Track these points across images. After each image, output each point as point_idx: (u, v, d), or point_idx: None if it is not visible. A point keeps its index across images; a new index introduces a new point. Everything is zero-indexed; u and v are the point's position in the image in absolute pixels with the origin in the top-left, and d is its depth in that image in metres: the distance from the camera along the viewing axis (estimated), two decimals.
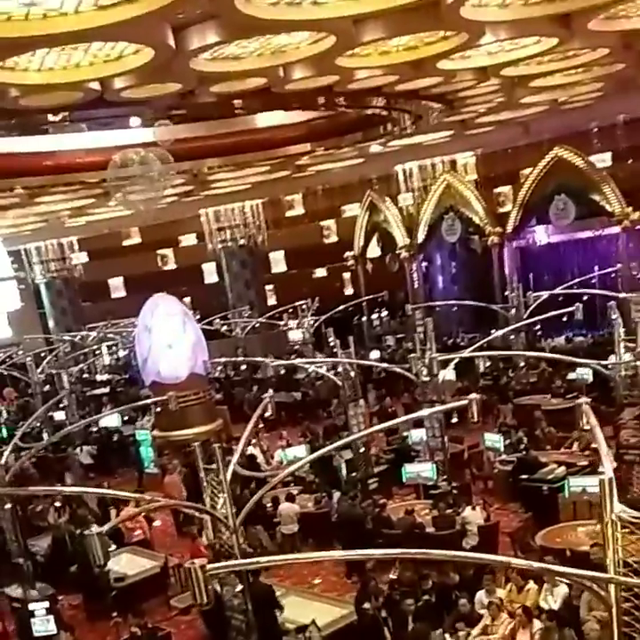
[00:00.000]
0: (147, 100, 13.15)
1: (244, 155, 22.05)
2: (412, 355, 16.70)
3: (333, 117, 20.82)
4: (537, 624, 10.13)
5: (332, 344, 20.53)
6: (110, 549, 7.43)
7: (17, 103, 11.90)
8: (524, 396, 21.84)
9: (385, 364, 21.46)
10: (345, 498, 15.38)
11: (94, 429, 23.38)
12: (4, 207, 23.09)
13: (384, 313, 36.95)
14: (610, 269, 27.71)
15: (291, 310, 31.66)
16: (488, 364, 24.49)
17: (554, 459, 16.22)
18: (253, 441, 18.48)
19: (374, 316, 36.06)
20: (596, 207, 26.56)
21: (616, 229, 27.32)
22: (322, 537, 14.78)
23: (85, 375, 32.18)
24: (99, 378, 33.35)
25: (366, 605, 11.00)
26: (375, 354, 27.00)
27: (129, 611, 12.38)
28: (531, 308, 23.37)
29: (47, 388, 25.72)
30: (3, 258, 26.30)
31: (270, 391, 13.74)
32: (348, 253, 34.79)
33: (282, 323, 31.19)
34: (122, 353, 35.68)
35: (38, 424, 22.64)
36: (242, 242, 34.10)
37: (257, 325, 31.79)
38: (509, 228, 29.06)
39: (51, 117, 14.12)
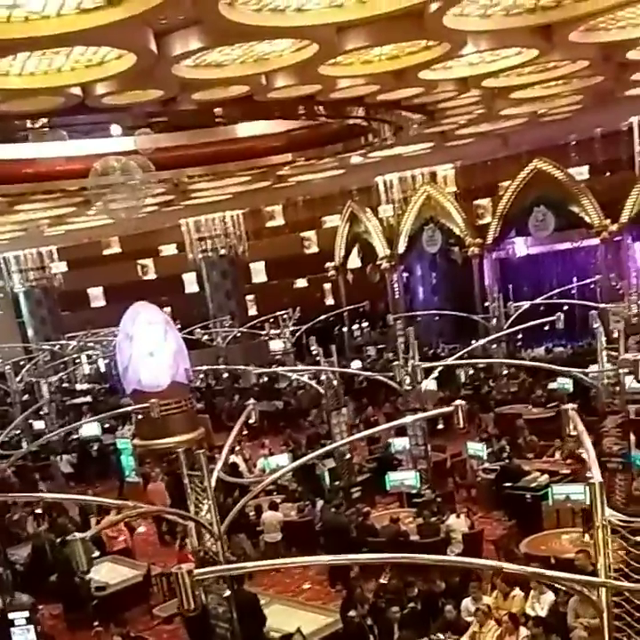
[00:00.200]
0: (128, 107, 13.13)
1: (225, 164, 22.02)
2: (396, 363, 16.71)
3: (314, 128, 20.88)
4: (523, 631, 10.11)
5: (314, 352, 20.49)
6: (94, 556, 7.30)
7: None
8: (504, 406, 21.91)
9: (369, 373, 21.46)
10: (328, 506, 15.34)
11: (74, 437, 23.19)
12: None
13: (364, 324, 37.01)
14: (588, 280, 27.92)
15: (272, 320, 31.61)
16: (470, 373, 24.57)
17: (536, 467, 16.25)
18: (236, 449, 18.40)
19: (355, 326, 36.11)
20: (575, 219, 26.82)
21: (594, 241, 27.58)
22: (305, 545, 14.69)
23: (65, 384, 31.96)
24: (78, 387, 33.12)
25: (352, 613, 10.94)
26: (357, 364, 27.00)
27: (111, 620, 12.24)
28: (512, 318, 23.47)
29: (26, 397, 25.53)
30: None
31: (252, 400, 13.67)
32: (328, 264, 34.85)
33: (263, 332, 31.12)
34: (102, 362, 35.45)
35: (18, 432, 22.41)
36: (222, 252, 34.06)
37: (238, 335, 31.71)
38: (489, 240, 29.26)
39: (30, 124, 14.07)
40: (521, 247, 31.08)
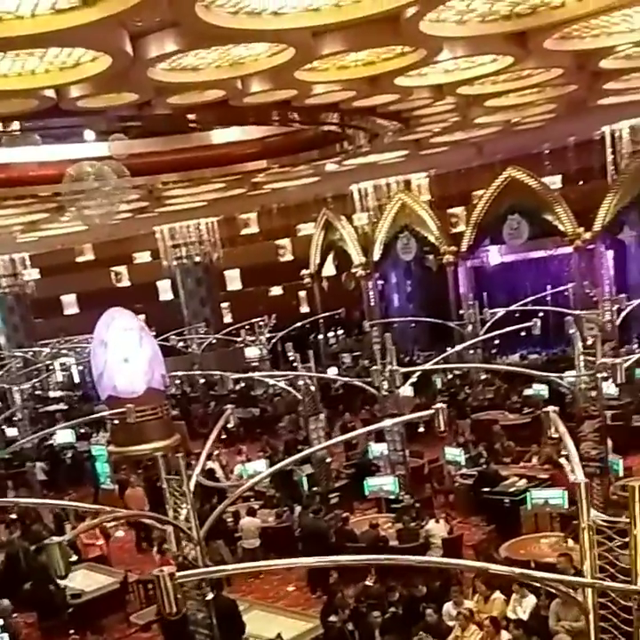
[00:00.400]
0: (103, 111, 13.02)
1: (200, 171, 21.95)
2: (374, 368, 16.72)
3: (290, 134, 20.87)
4: (505, 635, 10.12)
5: (291, 358, 20.46)
6: (72, 559, 7.17)
7: None
8: (481, 412, 21.98)
9: (347, 378, 21.48)
10: (307, 512, 15.26)
11: (47, 443, 22.98)
12: None
13: (340, 331, 37.02)
14: (562, 288, 28.13)
15: (247, 327, 31.53)
16: (447, 378, 24.66)
17: (514, 472, 16.32)
18: (213, 456, 18.31)
19: (330, 334, 36.11)
20: (549, 227, 26.99)
21: (567, 249, 27.82)
22: (284, 551, 14.53)
23: (38, 392, 31.65)
24: (51, 394, 32.81)
25: (333, 618, 10.88)
26: (333, 371, 27.00)
27: (87, 628, 12.08)
28: (488, 324, 23.58)
29: None
30: None
31: (230, 405, 13.59)
32: (304, 271, 34.85)
33: (239, 339, 31.02)
34: (75, 369, 35.14)
35: None
36: (197, 259, 33.93)
37: (214, 342, 31.60)
38: (464, 248, 29.38)
39: (2, 128, 13.91)
40: (495, 255, 31.25)
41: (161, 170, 21.09)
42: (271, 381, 21.62)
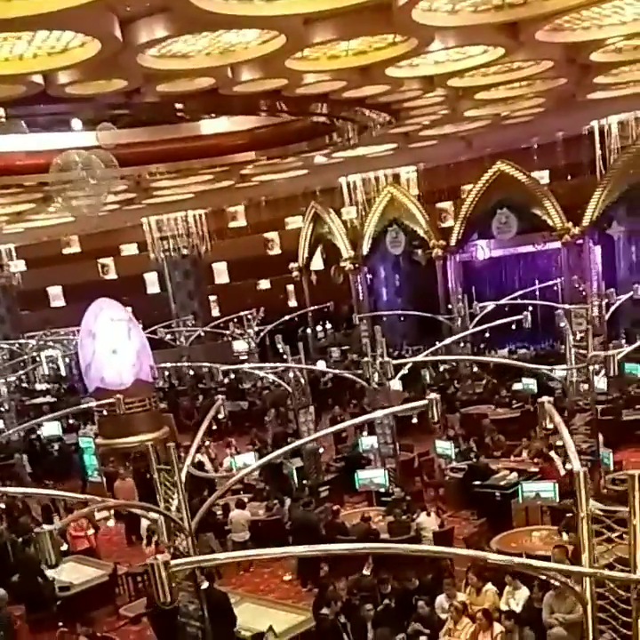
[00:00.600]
0: (91, 98, 12.87)
1: (188, 162, 21.80)
2: (365, 359, 16.67)
3: (279, 126, 20.76)
4: (497, 627, 10.08)
5: (281, 351, 20.39)
6: (63, 548, 7.07)
7: None
8: (469, 406, 22.00)
9: (337, 371, 21.42)
10: (297, 504, 15.18)
11: (34, 437, 22.80)
12: None
13: (328, 325, 36.95)
14: (551, 283, 28.17)
15: (236, 320, 31.40)
16: (436, 373, 24.64)
17: (504, 466, 16.30)
18: (202, 448, 18.22)
19: (319, 328, 36.04)
20: (538, 222, 27.03)
21: (555, 245, 27.86)
22: (274, 544, 14.22)
23: (24, 384, 31.46)
24: (38, 387, 32.59)
25: (325, 611, 10.80)
26: (322, 364, 26.92)
27: (75, 621, 11.94)
28: (477, 319, 23.57)
29: None
30: None
31: (220, 396, 13.49)
32: (292, 265, 34.74)
33: (227, 332, 30.90)
34: (61, 362, 34.95)
35: None
36: (185, 252, 33.77)
37: (202, 335, 31.46)
38: (453, 242, 29.37)
39: None
40: (483, 250, 31.24)
41: (149, 160, 20.90)
42: (261, 373, 21.52)
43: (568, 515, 12.43)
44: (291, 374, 17.17)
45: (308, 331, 33.90)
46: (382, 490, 15.84)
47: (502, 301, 25.06)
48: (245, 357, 29.15)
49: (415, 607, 10.85)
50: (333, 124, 19.81)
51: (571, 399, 14.49)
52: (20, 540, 14.51)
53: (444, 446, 17.11)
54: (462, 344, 22.91)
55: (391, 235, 30.72)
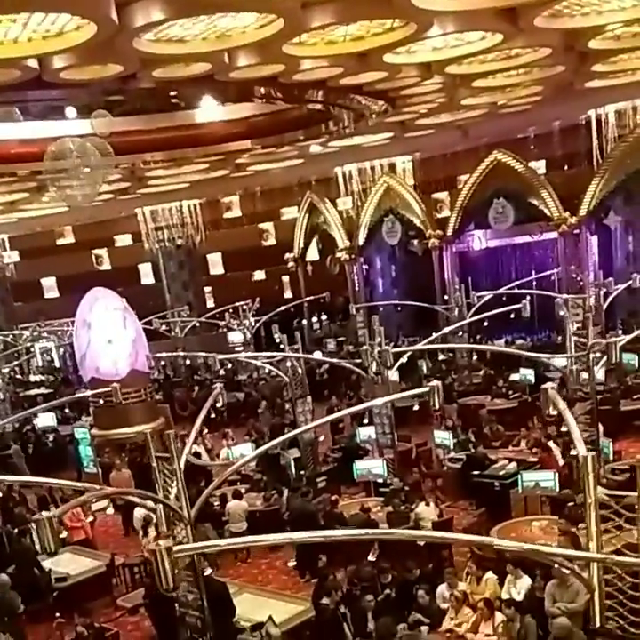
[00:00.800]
0: (87, 83, 12.69)
1: (183, 150, 21.63)
2: (364, 347, 16.56)
3: (274, 114, 20.61)
4: (499, 617, 10.04)
5: (278, 340, 20.27)
6: (62, 536, 6.95)
7: None
8: (466, 397, 21.94)
9: (335, 360, 21.31)
10: (295, 495, 15.11)
11: (28, 428, 22.66)
12: None
13: (324, 317, 36.83)
14: (548, 273, 28.11)
15: (231, 311, 31.26)
16: (434, 363, 24.56)
17: (502, 456, 16.26)
18: (199, 438, 18.12)
19: (314, 319, 35.92)
20: (535, 211, 26.93)
21: (552, 235, 27.78)
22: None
23: (18, 376, 31.30)
24: (32, 379, 32.42)
25: (325, 600, 10.72)
26: (317, 355, 26.82)
27: (73, 611, 11.83)
28: (474, 308, 23.50)
29: None
30: None
31: (218, 384, 13.37)
32: (288, 255, 34.60)
33: (223, 323, 30.78)
34: (55, 353, 34.78)
35: None
36: (179, 242, 33.60)
37: (197, 326, 31.33)
38: (449, 232, 29.27)
39: None
40: (480, 240, 31.14)
41: (144, 148, 20.73)
42: (258, 362, 21.39)
43: (570, 504, 12.40)
44: (288, 364, 17.05)
45: (304, 322, 33.75)
46: (380, 480, 15.76)
47: (500, 291, 24.98)
48: (241, 348, 29.01)
49: (415, 597, 10.79)
50: (329, 112, 19.67)
51: (571, 388, 14.42)
52: (16, 531, 14.39)
53: (443, 436, 17.04)
54: (461, 333, 22.81)
55: (387, 225, 30.60)
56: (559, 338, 24.65)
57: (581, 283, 23.97)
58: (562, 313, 18.50)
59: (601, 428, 14.83)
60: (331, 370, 25.60)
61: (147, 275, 36.49)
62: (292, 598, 11.96)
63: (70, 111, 17.12)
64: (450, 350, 24.57)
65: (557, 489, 13.41)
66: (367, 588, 11.03)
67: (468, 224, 29.54)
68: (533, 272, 28.74)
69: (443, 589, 10.93)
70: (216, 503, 15.42)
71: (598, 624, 6.62)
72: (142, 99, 16.70)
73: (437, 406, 9.48)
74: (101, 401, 15.81)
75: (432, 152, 30.51)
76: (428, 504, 14.03)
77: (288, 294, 37.12)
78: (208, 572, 9.48)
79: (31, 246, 35.91)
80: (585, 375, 14.20)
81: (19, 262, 35.90)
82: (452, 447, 16.88)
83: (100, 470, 17.20)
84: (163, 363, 28.25)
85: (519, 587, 10.69)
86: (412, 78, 16.30)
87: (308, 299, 33.95)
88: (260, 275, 38.26)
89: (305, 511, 14.11)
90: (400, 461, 16.61)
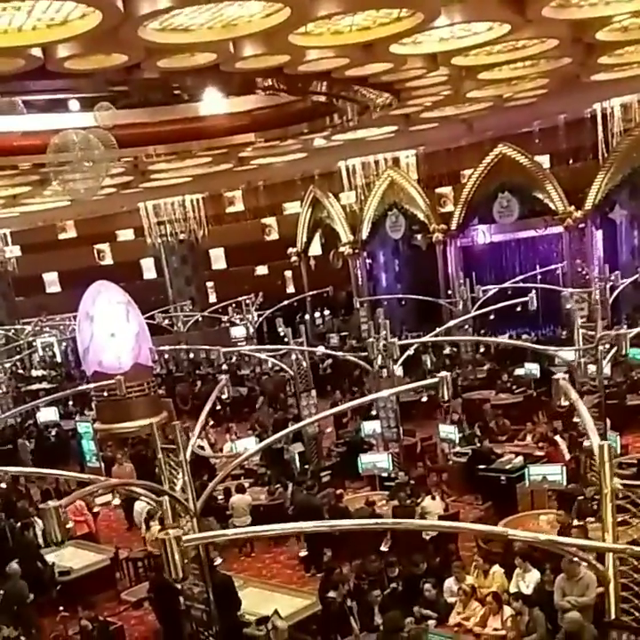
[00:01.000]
0: (91, 73, 12.59)
1: (187, 143, 21.53)
2: (370, 340, 16.45)
3: (278, 107, 20.50)
4: (508, 610, 9.94)
5: (282, 334, 20.16)
6: (69, 526, 6.84)
7: None
8: (471, 392, 21.78)
9: (340, 353, 21.18)
10: (300, 488, 15.00)
11: (30, 422, 22.58)
12: None
13: (326, 312, 36.72)
14: (552, 267, 28.00)
15: (234, 305, 31.17)
16: (438, 358, 24.46)
17: (508, 450, 16.15)
18: (202, 431, 18.04)
19: (317, 314, 35.81)
20: (540, 205, 26.82)
21: (556, 229, 27.66)
22: None
23: (20, 371, 31.21)
24: (34, 373, 32.34)
25: (332, 594, 10.62)
26: (321, 348, 26.70)
27: (77, 605, 11.74)
28: (479, 302, 23.38)
29: None
30: None
31: (223, 376, 13.27)
32: (291, 249, 34.49)
33: (225, 317, 30.68)
34: (57, 348, 34.68)
35: None
36: (182, 237, 33.47)
37: (199, 321, 31.23)
38: (453, 226, 29.16)
39: None
40: (484, 234, 31.03)
41: (147, 141, 20.60)
42: (262, 355, 21.29)
43: (580, 498, 12.31)
44: (293, 357, 16.95)
45: (307, 317, 33.64)
46: (385, 474, 15.65)
47: (506, 285, 24.87)
48: (243, 343, 28.91)
49: (422, 591, 10.71)
50: (334, 104, 19.57)
51: (578, 381, 14.31)
52: (19, 525, 14.31)
53: (448, 430, 16.93)
54: (466, 327, 22.71)
55: (391, 219, 30.46)
56: (563, 333, 24.55)
57: (587, 277, 23.84)
58: (568, 306, 18.38)
59: (608, 421, 14.72)
60: (334, 365, 25.51)
61: (149, 269, 36.42)
62: (297, 592, 11.87)
63: (73, 104, 17.01)
64: (454, 345, 24.45)
65: (565, 483, 13.31)
66: (374, 583, 10.93)
67: (473, 218, 29.44)
68: (537, 267, 28.59)
69: (450, 583, 10.82)
70: (220, 497, 15.32)
71: (613, 616, 6.50)
72: (146, 90, 16.60)
73: (447, 397, 9.39)
74: (105, 393, 15.64)
75: (436, 146, 30.40)
76: (433, 498, 13.91)
77: (291, 289, 37.02)
78: (218, 561, 9.34)
79: (33, 241, 35.88)
80: (592, 368, 14.10)
81: (20, 257, 35.84)
82: (457, 441, 16.77)
83: (102, 464, 17.12)
84: (166, 356, 28.13)
85: (528, 580, 10.59)
86: (418, 70, 16.23)
87: (310, 293, 33.83)
88: (262, 270, 38.14)
89: (310, 505, 14.00)
90: (405, 456, 16.49)
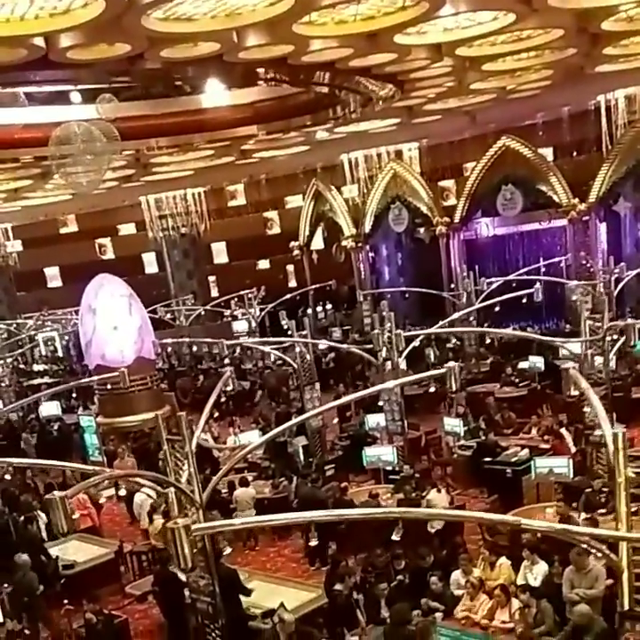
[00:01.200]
0: (93, 63, 12.48)
1: (189, 136, 21.42)
2: (375, 331, 16.36)
3: (281, 99, 20.40)
4: (515, 603, 9.85)
5: (286, 327, 20.07)
6: (74, 517, 6.76)
7: None
8: (475, 385, 21.71)
9: (344, 345, 21.09)
10: (305, 481, 14.94)
11: (33, 417, 22.52)
12: None
13: (329, 306, 36.63)
14: (556, 259, 27.91)
15: (236, 300, 31.09)
16: (442, 351, 24.38)
17: (513, 443, 16.07)
18: (206, 425, 17.98)
19: (319, 308, 35.72)
20: (543, 198, 26.71)
21: (559, 222, 27.55)
22: None
23: (22, 366, 31.15)
24: (36, 368, 32.29)
25: (338, 587, 10.53)
26: (324, 343, 26.64)
27: (81, 598, 11.68)
28: (483, 295, 23.28)
29: None
30: None
31: (228, 368, 13.19)
32: (293, 243, 34.38)
33: (228, 312, 30.61)
34: (59, 343, 34.65)
35: None
36: (184, 231, 33.38)
37: (202, 315, 31.17)
38: (456, 219, 29.05)
39: None
40: (487, 227, 30.92)
41: (148, 134, 20.48)
42: (266, 349, 21.22)
43: (587, 490, 12.23)
44: (297, 350, 16.87)
45: (309, 311, 33.56)
46: (390, 468, 15.57)
47: (510, 277, 24.77)
48: (245, 337, 28.86)
49: (429, 584, 10.65)
50: (337, 96, 19.45)
51: (584, 373, 14.21)
52: (22, 518, 14.26)
53: (453, 423, 16.86)
54: (471, 319, 22.63)
55: (394, 212, 30.35)
56: (567, 326, 24.47)
57: (591, 270, 23.74)
58: (574, 297, 18.29)
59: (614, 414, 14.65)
60: (337, 359, 25.44)
61: (151, 264, 36.36)
62: (302, 585, 11.81)
63: (75, 96, 16.90)
64: (458, 338, 24.37)
65: (571, 475, 13.25)
66: (381, 575, 10.86)
67: (476, 211, 29.33)
68: (541, 260, 28.48)
69: (457, 576, 10.74)
70: (224, 490, 15.25)
71: (627, 607, 6.43)
72: (148, 81, 16.49)
73: (454, 388, 9.33)
74: (108, 387, 15.56)
75: (439, 139, 30.27)
76: (439, 491, 13.81)
77: (293, 283, 36.88)
78: (228, 551, 9.27)
79: (34, 235, 35.82)
80: (598, 360, 14.03)
81: (22, 251, 35.78)
82: (462, 435, 16.70)
83: (105, 458, 17.07)
84: (169, 349, 28.07)
85: (535, 572, 10.50)
86: (422, 60, 16.13)
87: (313, 287, 33.75)
88: (264, 264, 37.97)
89: (314, 498, 13.92)
90: (409, 449, 16.41)
